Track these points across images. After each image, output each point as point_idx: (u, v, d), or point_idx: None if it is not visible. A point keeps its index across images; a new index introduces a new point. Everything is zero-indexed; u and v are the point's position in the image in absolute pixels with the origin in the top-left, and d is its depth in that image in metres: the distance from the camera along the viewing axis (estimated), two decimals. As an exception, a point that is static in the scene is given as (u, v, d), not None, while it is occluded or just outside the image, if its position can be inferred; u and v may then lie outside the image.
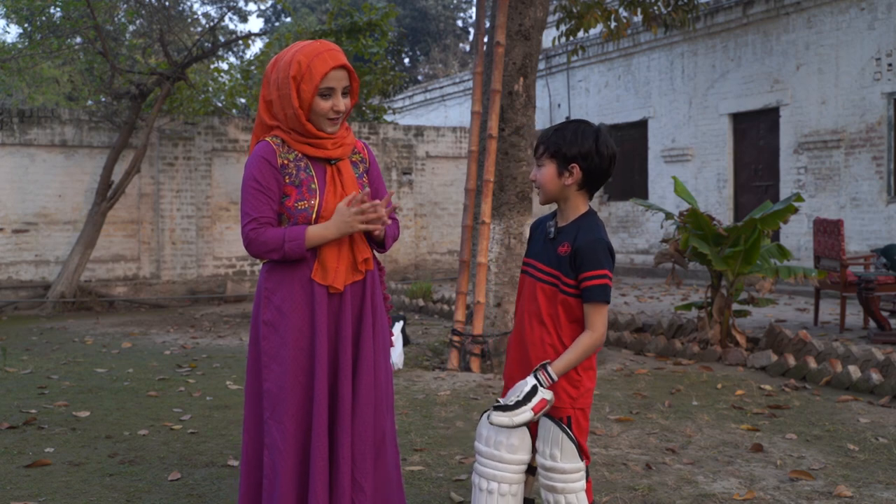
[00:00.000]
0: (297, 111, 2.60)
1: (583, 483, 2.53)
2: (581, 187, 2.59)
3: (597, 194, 16.42)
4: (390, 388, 2.80)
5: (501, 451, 2.53)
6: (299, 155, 2.68)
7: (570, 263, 2.53)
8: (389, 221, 2.66)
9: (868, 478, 3.76)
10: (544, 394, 2.48)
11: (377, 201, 2.63)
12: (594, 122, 2.63)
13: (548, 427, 2.52)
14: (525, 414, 2.47)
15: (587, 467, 2.59)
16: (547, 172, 2.58)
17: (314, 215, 2.63)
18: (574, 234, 2.56)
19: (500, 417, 2.50)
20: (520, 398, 2.48)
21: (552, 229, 2.63)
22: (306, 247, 2.60)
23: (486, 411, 2.64)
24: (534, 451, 2.60)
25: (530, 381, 2.50)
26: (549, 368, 2.49)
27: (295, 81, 2.59)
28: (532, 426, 2.59)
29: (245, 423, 2.74)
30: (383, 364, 2.76)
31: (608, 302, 2.54)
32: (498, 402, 2.56)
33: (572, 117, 16.99)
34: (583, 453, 2.54)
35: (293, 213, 2.64)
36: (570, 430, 2.53)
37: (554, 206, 2.70)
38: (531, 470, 2.63)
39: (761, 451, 4.20)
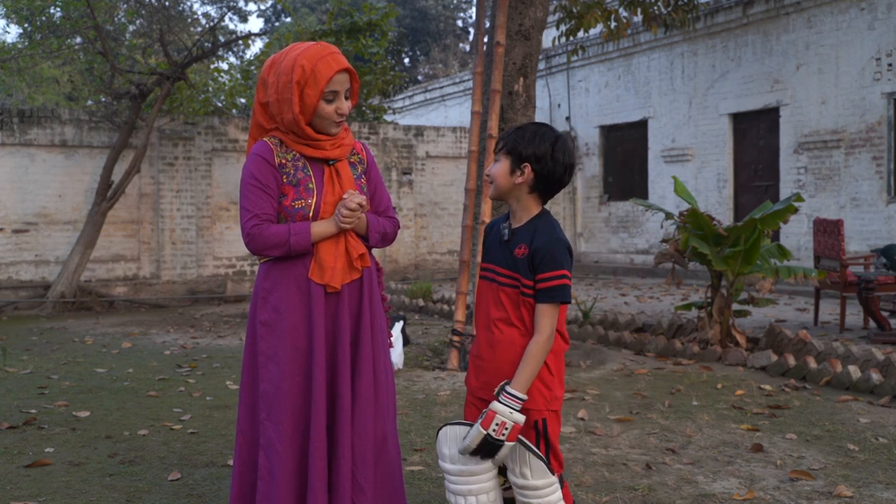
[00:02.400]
0: (297, 116, 2.60)
1: (558, 494, 2.50)
2: (533, 190, 2.56)
3: (597, 194, 16.49)
4: (391, 388, 2.79)
5: (469, 465, 2.50)
6: (297, 155, 2.68)
7: (528, 265, 2.51)
8: (351, 221, 2.62)
9: (868, 478, 3.76)
10: (492, 407, 2.42)
11: (350, 198, 2.60)
12: (557, 130, 2.61)
13: (516, 447, 2.48)
14: (474, 431, 2.42)
15: (560, 476, 2.57)
16: (500, 168, 2.57)
17: (311, 214, 2.63)
18: (531, 236, 2.53)
19: (462, 445, 2.45)
20: (495, 437, 2.40)
21: (506, 231, 2.60)
22: (312, 240, 2.60)
23: (440, 428, 2.60)
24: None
25: (503, 413, 2.40)
26: (510, 390, 2.43)
27: (299, 86, 2.58)
28: None
29: (239, 423, 2.73)
30: (383, 364, 2.75)
31: (568, 302, 2.53)
32: (466, 442, 2.46)
33: (572, 117, 17.00)
34: (555, 463, 2.53)
35: (290, 212, 2.63)
36: (545, 433, 2.51)
37: (507, 210, 2.68)
38: (502, 471, 2.60)
39: (761, 451, 4.20)
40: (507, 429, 2.40)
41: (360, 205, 2.62)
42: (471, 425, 2.54)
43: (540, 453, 2.47)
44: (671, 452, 4.19)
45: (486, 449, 2.41)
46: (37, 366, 6.89)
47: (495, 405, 2.42)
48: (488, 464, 2.51)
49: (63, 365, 6.94)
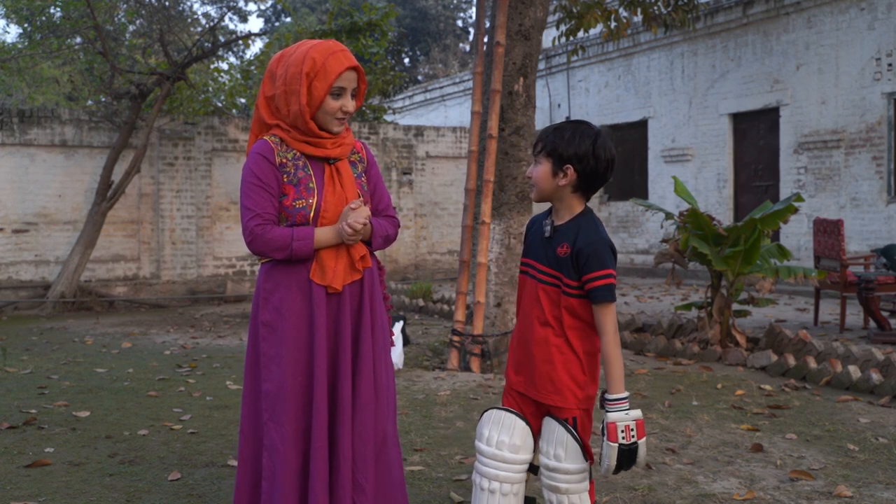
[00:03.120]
0: (304, 108, 2.60)
1: (586, 484, 2.52)
2: (576, 189, 2.54)
3: (596, 194, 16.46)
4: (392, 388, 2.79)
5: (504, 451, 2.52)
6: (298, 154, 2.68)
7: (571, 264, 2.50)
8: (352, 232, 2.62)
9: (868, 478, 3.76)
10: (608, 420, 2.42)
11: (355, 218, 2.60)
12: (595, 125, 2.59)
13: (552, 427, 2.50)
14: (607, 449, 2.42)
15: (590, 468, 2.59)
16: (542, 171, 2.55)
17: (312, 214, 2.63)
18: (574, 235, 2.52)
19: (602, 468, 2.45)
20: (627, 443, 2.41)
21: (548, 228, 2.58)
22: (314, 247, 2.60)
23: (486, 410, 2.63)
24: (536, 450, 2.59)
25: (621, 419, 2.42)
26: (610, 395, 2.44)
27: (308, 78, 2.58)
28: (535, 426, 2.59)
29: (242, 423, 2.73)
30: (384, 364, 2.75)
31: (615, 300, 2.52)
32: (608, 465, 2.44)
33: (572, 117, 16.99)
34: (587, 454, 2.53)
35: (291, 212, 2.63)
36: (576, 430, 2.51)
37: (548, 204, 2.68)
38: (532, 469, 2.62)
39: (761, 451, 4.20)
40: (633, 430, 2.42)
41: (366, 223, 2.62)
42: (515, 413, 2.56)
43: (577, 434, 2.49)
44: (671, 452, 4.19)
45: (626, 458, 2.42)
46: (37, 366, 6.89)
47: (610, 416, 2.42)
48: (522, 456, 2.53)
49: (63, 365, 6.94)
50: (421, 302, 10.78)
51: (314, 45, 2.63)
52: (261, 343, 2.66)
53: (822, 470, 3.87)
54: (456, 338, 6.54)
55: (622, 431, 2.40)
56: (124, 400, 5.54)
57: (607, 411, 2.43)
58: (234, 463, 3.96)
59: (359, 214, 2.61)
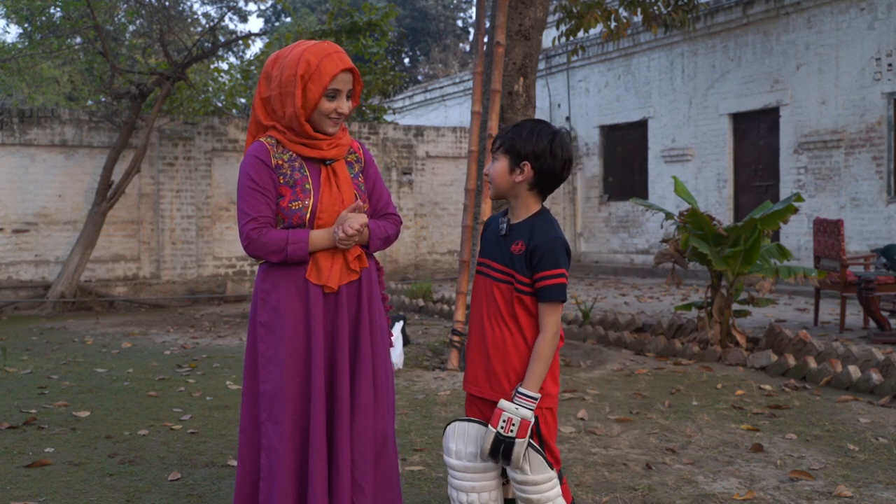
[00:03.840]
0: (298, 110, 2.60)
1: (557, 489, 2.50)
2: (532, 187, 2.56)
3: (597, 194, 16.49)
4: (391, 388, 2.79)
5: (476, 462, 2.50)
6: (294, 155, 2.68)
7: (525, 262, 2.50)
8: (346, 237, 2.62)
9: (868, 478, 3.76)
10: (523, 413, 2.42)
11: (349, 223, 2.60)
12: (553, 125, 2.60)
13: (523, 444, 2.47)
14: (521, 446, 2.41)
15: (559, 472, 2.58)
16: (499, 167, 2.57)
17: (309, 215, 2.63)
18: (529, 232, 2.52)
19: (490, 461, 2.46)
20: (504, 434, 2.41)
21: (504, 226, 2.59)
22: (309, 250, 2.60)
23: (448, 423, 2.61)
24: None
25: (508, 410, 2.42)
26: (523, 390, 2.44)
27: (303, 80, 2.58)
28: None
29: (241, 424, 2.73)
30: (383, 364, 2.74)
31: (564, 300, 2.52)
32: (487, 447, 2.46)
33: (572, 117, 16.99)
34: (552, 459, 2.52)
35: (288, 213, 2.63)
36: (538, 430, 2.51)
37: (506, 205, 2.68)
38: (505, 473, 2.60)
39: (761, 451, 4.20)
40: (514, 425, 2.40)
41: (360, 229, 2.62)
42: (478, 422, 2.55)
43: (537, 447, 2.47)
44: (671, 452, 4.19)
45: (501, 448, 2.42)
46: (37, 366, 6.89)
47: (501, 403, 2.44)
48: (492, 463, 2.51)
49: (63, 365, 6.94)
50: (421, 302, 10.78)
51: (309, 46, 2.62)
52: (259, 343, 2.66)
53: (822, 470, 3.87)
54: (456, 338, 6.54)
55: (503, 422, 2.41)
56: (124, 400, 5.54)
57: (515, 403, 2.44)
58: (234, 463, 3.96)
59: (353, 220, 2.61)
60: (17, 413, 5.12)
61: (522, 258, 2.51)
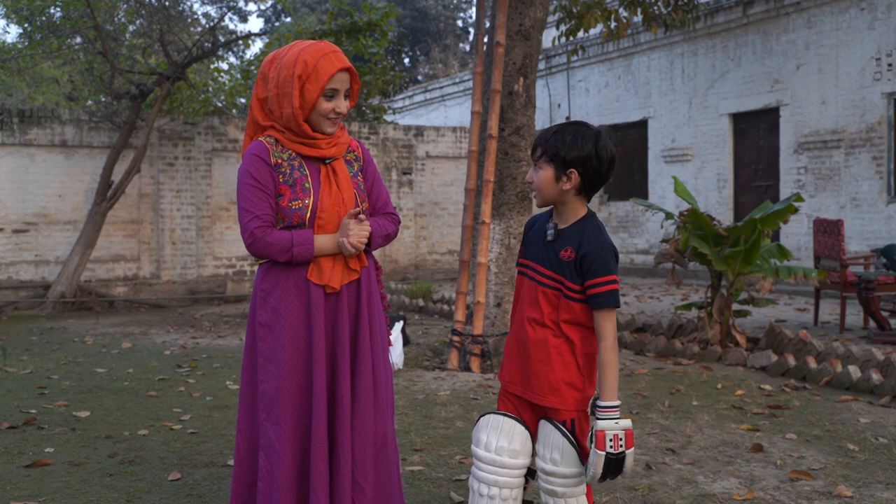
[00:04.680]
0: (297, 111, 2.59)
1: (583, 487, 2.50)
2: (579, 192, 2.51)
3: (596, 194, 16.48)
4: (390, 388, 2.79)
5: (503, 457, 2.49)
6: (293, 154, 2.67)
7: (575, 269, 2.47)
8: (354, 251, 2.63)
9: (868, 478, 3.76)
10: (598, 427, 2.40)
11: (357, 237, 2.61)
12: (594, 126, 2.55)
13: (549, 431, 2.48)
14: (593, 457, 2.39)
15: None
16: (544, 176, 2.50)
17: (308, 214, 2.63)
18: (578, 239, 2.49)
19: (588, 476, 2.42)
20: (615, 451, 2.38)
21: (551, 231, 2.54)
22: (315, 254, 2.60)
23: (483, 415, 2.61)
24: (534, 453, 2.58)
25: (610, 428, 2.39)
26: (602, 403, 2.42)
27: (300, 81, 2.58)
28: (532, 429, 2.57)
29: (238, 424, 2.73)
30: (382, 364, 2.74)
31: (618, 306, 2.50)
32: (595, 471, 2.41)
33: (572, 117, 16.99)
34: (583, 457, 2.51)
35: (287, 212, 2.63)
36: (573, 433, 2.49)
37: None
38: (529, 472, 2.60)
39: (761, 451, 4.20)
40: (622, 440, 2.38)
41: (366, 239, 2.64)
42: (513, 417, 2.54)
43: (574, 438, 2.47)
44: (671, 452, 4.19)
45: (613, 466, 2.39)
46: (37, 366, 6.89)
47: (599, 424, 2.40)
48: (520, 461, 2.51)
49: (63, 365, 6.94)
50: (421, 302, 10.78)
51: (306, 46, 2.61)
52: (258, 343, 2.66)
53: (822, 470, 3.87)
54: (456, 338, 6.54)
55: (611, 440, 2.37)
56: (124, 400, 5.54)
57: (598, 418, 2.41)
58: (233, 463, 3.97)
59: (361, 232, 2.61)
60: (17, 413, 5.12)
61: (572, 265, 2.48)
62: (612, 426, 2.38)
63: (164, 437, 4.56)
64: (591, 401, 2.48)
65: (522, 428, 2.53)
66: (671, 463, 4.01)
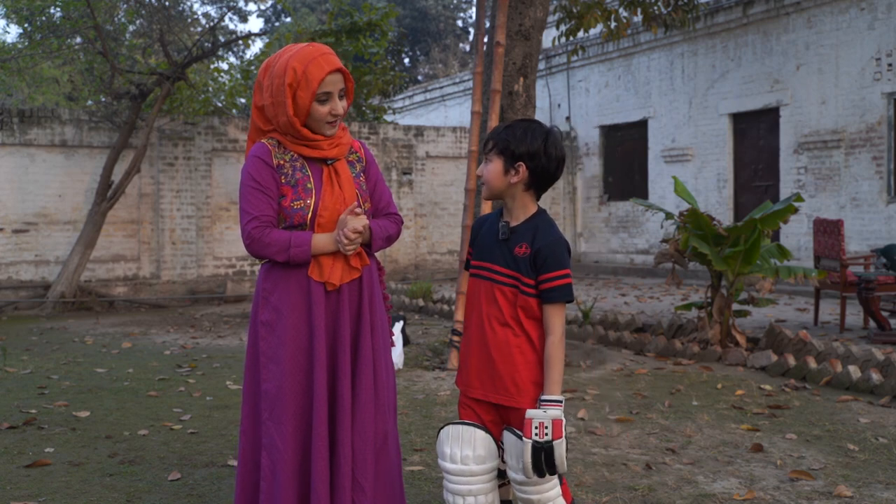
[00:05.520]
0: (291, 119, 2.60)
1: (557, 489, 2.50)
2: (528, 187, 2.55)
3: (597, 194, 16.49)
4: (392, 387, 2.79)
5: (470, 465, 2.50)
6: (295, 155, 2.68)
7: (530, 264, 2.51)
8: (352, 248, 2.63)
9: (868, 478, 3.76)
10: (552, 414, 2.40)
11: (351, 227, 2.60)
12: (545, 124, 2.59)
13: (513, 441, 2.47)
14: (561, 446, 2.39)
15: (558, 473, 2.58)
16: (493, 168, 2.55)
17: (310, 215, 2.63)
18: (532, 235, 2.52)
19: (550, 477, 2.42)
20: (541, 440, 2.38)
21: (504, 229, 2.58)
22: (312, 254, 2.60)
23: (442, 427, 2.60)
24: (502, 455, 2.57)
25: (537, 416, 2.40)
26: (548, 396, 2.43)
27: (291, 89, 2.58)
28: (496, 432, 2.56)
29: (242, 423, 2.73)
30: (384, 363, 2.75)
31: (572, 300, 2.53)
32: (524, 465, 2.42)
33: (572, 117, 16.99)
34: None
35: (289, 213, 2.63)
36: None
37: (499, 205, 2.67)
38: (502, 475, 2.58)
39: (761, 451, 4.20)
40: (547, 427, 2.38)
41: (362, 231, 2.62)
42: (473, 425, 2.53)
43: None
44: (671, 452, 4.19)
45: (542, 456, 2.38)
46: (37, 366, 6.89)
47: (528, 412, 2.41)
48: (488, 465, 2.51)
49: (63, 365, 6.94)
50: (421, 302, 10.78)
51: (294, 53, 2.60)
52: (260, 342, 2.66)
53: (822, 470, 3.87)
54: (456, 338, 6.54)
55: (536, 428, 2.38)
56: (124, 400, 5.54)
57: (543, 410, 2.42)
58: (234, 463, 3.97)
59: (356, 223, 2.61)
60: (17, 413, 5.12)
61: (528, 261, 2.51)
62: (540, 415, 2.39)
63: (164, 437, 4.56)
64: (539, 399, 2.48)
65: (483, 433, 2.53)
66: (671, 463, 4.01)
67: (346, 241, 2.59)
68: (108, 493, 3.60)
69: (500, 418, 2.57)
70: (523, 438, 2.39)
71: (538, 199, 2.61)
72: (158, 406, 5.34)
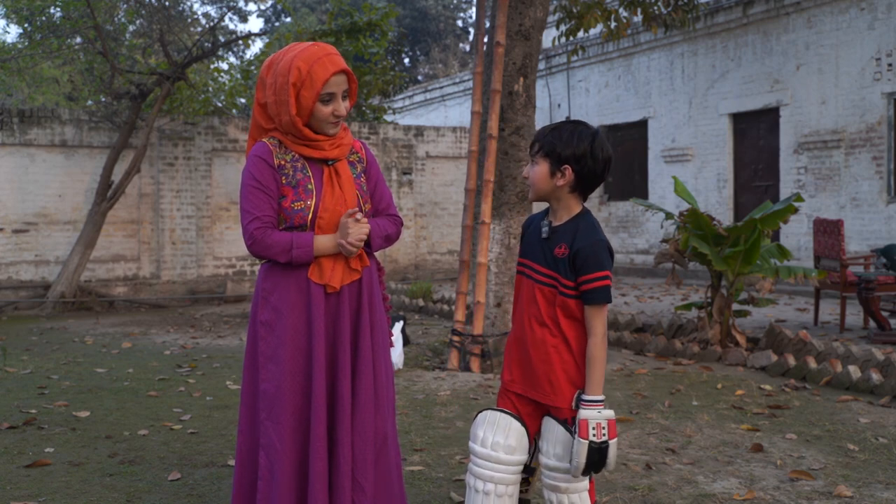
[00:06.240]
0: (294, 118, 2.59)
1: (586, 483, 2.52)
2: (573, 189, 2.54)
3: (597, 194, 16.48)
4: (391, 387, 2.79)
5: (499, 453, 2.51)
6: (296, 155, 2.68)
7: (569, 265, 2.50)
8: (354, 250, 2.64)
9: (868, 478, 3.76)
10: (580, 417, 2.42)
11: (356, 236, 2.61)
12: (592, 125, 2.59)
13: (552, 427, 2.50)
14: (577, 446, 2.40)
15: None
16: (539, 171, 2.54)
17: (311, 216, 2.63)
18: (572, 236, 2.52)
19: (572, 468, 2.42)
20: (598, 440, 2.39)
21: (546, 229, 2.58)
22: (314, 255, 2.60)
23: (480, 411, 2.62)
24: (536, 450, 2.58)
25: (592, 416, 2.41)
26: (587, 396, 2.45)
27: (295, 88, 2.57)
28: (532, 426, 2.58)
29: (240, 423, 2.73)
30: (383, 364, 2.75)
31: (610, 301, 2.53)
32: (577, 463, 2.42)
33: (572, 117, 16.98)
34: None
35: (290, 213, 2.63)
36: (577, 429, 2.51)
37: (545, 205, 2.67)
38: (526, 469, 2.60)
39: (761, 451, 4.20)
40: (604, 428, 2.41)
41: (364, 238, 2.64)
42: (511, 414, 2.55)
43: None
44: (671, 452, 4.19)
45: (597, 456, 2.40)
46: (37, 366, 6.89)
47: (582, 413, 2.42)
48: (516, 457, 2.52)
49: (63, 365, 6.94)
50: (421, 302, 10.78)
51: (299, 52, 2.60)
52: (259, 342, 2.66)
53: (822, 470, 3.87)
54: (456, 338, 6.54)
55: (593, 429, 2.39)
56: (124, 400, 5.54)
57: (580, 409, 2.44)
58: (234, 463, 3.96)
59: (359, 231, 2.61)
60: (17, 413, 5.12)
61: (566, 261, 2.51)
62: (595, 415, 2.41)
63: (164, 437, 4.56)
64: (575, 394, 2.49)
65: (519, 424, 2.54)
66: (671, 463, 4.01)
67: (352, 251, 2.61)
68: (108, 493, 3.60)
69: (537, 413, 2.58)
70: (579, 439, 2.40)
71: (584, 200, 2.60)
72: (158, 406, 5.34)
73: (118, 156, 11.96)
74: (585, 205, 2.61)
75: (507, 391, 2.63)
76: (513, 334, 2.65)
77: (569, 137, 2.51)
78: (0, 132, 11.78)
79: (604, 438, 2.40)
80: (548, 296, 2.54)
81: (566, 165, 2.50)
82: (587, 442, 2.39)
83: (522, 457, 2.54)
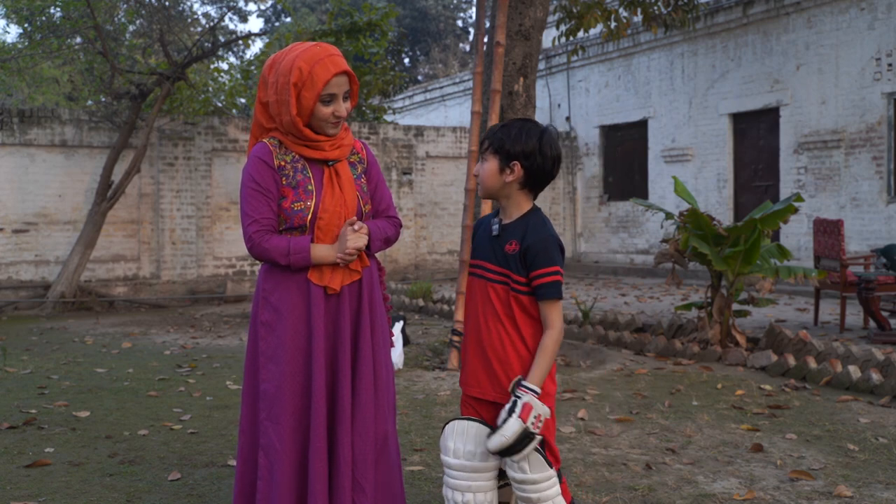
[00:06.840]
0: (294, 118, 2.59)
1: (556, 488, 2.50)
2: (523, 186, 2.57)
3: (597, 194, 16.49)
4: (392, 388, 2.79)
5: (474, 461, 2.50)
6: (296, 156, 2.68)
7: (520, 261, 2.52)
8: (352, 259, 2.65)
9: (868, 478, 3.76)
10: (526, 399, 2.41)
11: (353, 245, 2.62)
12: (541, 123, 2.60)
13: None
14: (513, 424, 2.38)
15: (558, 471, 2.58)
16: (488, 168, 2.57)
17: (310, 216, 2.63)
18: (522, 232, 2.54)
19: (493, 440, 2.41)
20: (533, 430, 2.40)
21: (496, 227, 2.60)
22: (312, 262, 2.61)
23: (447, 422, 2.61)
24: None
25: (536, 404, 2.42)
26: (526, 384, 2.44)
27: (296, 88, 2.57)
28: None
29: (241, 423, 2.73)
30: (384, 364, 2.75)
31: (561, 297, 2.53)
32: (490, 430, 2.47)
33: (572, 117, 16.99)
34: (550, 458, 2.52)
35: (290, 214, 2.63)
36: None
37: (497, 206, 2.67)
38: (504, 475, 2.58)
39: (761, 451, 4.20)
40: (541, 422, 2.41)
41: (362, 247, 2.65)
42: (478, 421, 2.53)
43: (538, 447, 2.47)
44: (671, 452, 4.19)
45: (520, 445, 2.39)
46: (37, 366, 6.89)
47: (530, 399, 2.41)
48: (491, 463, 2.51)
49: (63, 365, 6.94)
50: (421, 302, 10.78)
51: (300, 52, 2.60)
52: (259, 343, 2.67)
53: (822, 470, 3.87)
54: (456, 338, 6.50)
55: (534, 418, 2.39)
56: (124, 400, 5.54)
57: (515, 395, 2.42)
58: (234, 463, 3.96)
59: (357, 241, 2.62)
60: (17, 413, 5.12)
61: (517, 257, 2.52)
62: (540, 407, 2.41)
63: (164, 437, 4.56)
64: (513, 381, 2.47)
65: (487, 430, 2.52)
66: (671, 463, 4.01)
67: (349, 260, 2.63)
68: (108, 493, 3.60)
69: (497, 414, 2.56)
70: (517, 418, 2.38)
71: (534, 198, 2.62)
72: (158, 406, 5.34)
73: (118, 156, 11.96)
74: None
75: (468, 399, 2.63)
76: (467, 337, 2.64)
77: (517, 134, 2.54)
78: (0, 132, 11.78)
79: (536, 431, 2.40)
80: (501, 294, 2.55)
81: (515, 162, 2.53)
82: (525, 425, 2.38)
83: (495, 462, 2.53)
